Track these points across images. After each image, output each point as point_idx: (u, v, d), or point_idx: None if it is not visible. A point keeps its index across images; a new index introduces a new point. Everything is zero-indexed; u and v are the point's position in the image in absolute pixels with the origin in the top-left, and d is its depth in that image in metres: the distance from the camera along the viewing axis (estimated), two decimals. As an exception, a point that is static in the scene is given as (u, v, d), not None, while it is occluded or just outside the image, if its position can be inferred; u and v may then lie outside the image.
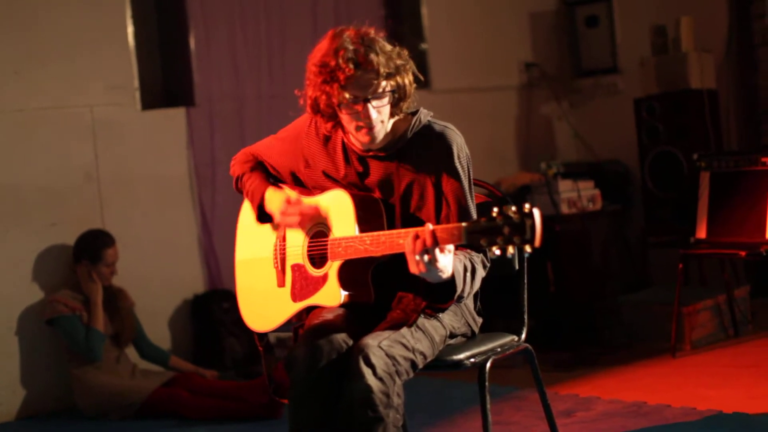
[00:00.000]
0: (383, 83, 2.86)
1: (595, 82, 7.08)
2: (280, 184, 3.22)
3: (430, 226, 2.65)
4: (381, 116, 2.90)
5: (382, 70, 2.83)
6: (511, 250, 2.48)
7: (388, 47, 2.89)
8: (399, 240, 2.73)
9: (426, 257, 2.65)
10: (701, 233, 5.24)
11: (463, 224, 2.58)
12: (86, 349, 4.99)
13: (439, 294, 2.89)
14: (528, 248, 2.46)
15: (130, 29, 5.56)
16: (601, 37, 7.01)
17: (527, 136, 7.10)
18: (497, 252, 2.50)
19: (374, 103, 2.86)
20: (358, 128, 2.91)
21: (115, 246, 5.16)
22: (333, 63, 2.82)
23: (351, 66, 2.81)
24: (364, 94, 2.84)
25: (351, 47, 2.82)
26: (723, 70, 6.31)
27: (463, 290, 2.85)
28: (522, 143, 7.08)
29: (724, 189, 5.22)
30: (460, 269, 2.83)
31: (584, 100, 7.15)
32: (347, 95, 2.83)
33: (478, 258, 2.93)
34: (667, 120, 6.07)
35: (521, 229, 2.46)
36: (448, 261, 2.70)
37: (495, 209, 2.52)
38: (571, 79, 7.20)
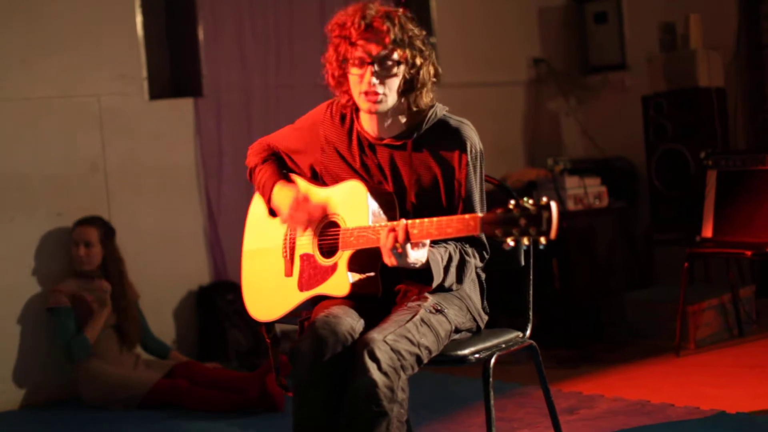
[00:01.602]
0: (391, 51, 2.91)
1: (603, 79, 7.07)
2: (291, 175, 3.23)
3: (403, 220, 2.73)
4: (386, 88, 2.93)
5: (392, 35, 2.90)
6: (526, 241, 2.47)
7: (412, 27, 2.98)
8: (413, 230, 2.73)
9: (396, 251, 2.73)
10: (707, 232, 5.23)
11: (480, 215, 2.60)
12: (67, 349, 4.99)
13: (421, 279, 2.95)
14: (543, 240, 2.46)
15: (138, 19, 5.55)
16: (610, 33, 7.00)
17: (534, 131, 7.09)
18: (511, 243, 2.49)
19: (379, 70, 2.91)
20: (360, 94, 2.95)
21: (90, 227, 5.13)
22: (348, 21, 2.94)
23: (362, 24, 2.91)
24: (369, 55, 2.90)
25: (371, 11, 2.93)
26: (731, 69, 6.30)
27: (445, 279, 2.91)
28: (529, 139, 7.07)
29: (731, 188, 5.21)
30: (440, 259, 2.88)
31: (592, 96, 7.14)
32: (354, 53, 2.91)
33: (472, 250, 2.98)
34: (675, 118, 6.06)
35: (538, 220, 2.45)
36: (419, 254, 2.78)
37: (512, 201, 2.52)
38: (579, 75, 7.19)
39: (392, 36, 2.90)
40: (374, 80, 2.91)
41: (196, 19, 5.72)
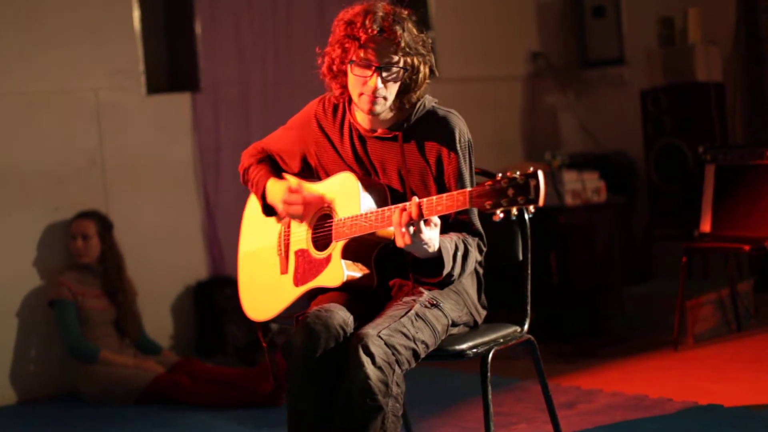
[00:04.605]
0: (399, 57, 2.92)
1: (601, 73, 7.06)
2: (284, 174, 3.23)
3: (416, 198, 2.74)
4: (386, 91, 2.94)
5: (402, 43, 2.91)
6: (515, 211, 2.52)
7: (415, 31, 2.98)
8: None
9: (411, 229, 2.73)
10: (705, 227, 5.23)
11: (468, 189, 2.63)
12: (70, 345, 5.00)
13: (429, 272, 2.93)
14: (532, 208, 2.50)
15: (136, 13, 5.54)
16: (608, 27, 6.98)
17: (532, 126, 7.09)
18: (501, 215, 2.53)
19: (384, 74, 2.92)
20: (361, 95, 2.95)
21: (87, 220, 5.14)
22: (359, 21, 2.91)
23: (375, 28, 2.89)
24: (378, 60, 2.90)
25: (381, 14, 2.91)
26: (730, 63, 6.28)
27: (453, 268, 2.89)
28: (527, 133, 7.06)
29: (729, 182, 5.21)
30: (449, 247, 2.87)
31: (590, 90, 7.13)
32: (362, 55, 2.90)
33: (473, 241, 2.98)
34: (673, 112, 6.05)
35: (525, 189, 2.50)
36: (433, 234, 2.77)
37: (499, 174, 2.57)
38: (577, 69, 7.17)
39: (403, 44, 2.91)
40: (378, 83, 2.92)
41: (194, 14, 5.72)
